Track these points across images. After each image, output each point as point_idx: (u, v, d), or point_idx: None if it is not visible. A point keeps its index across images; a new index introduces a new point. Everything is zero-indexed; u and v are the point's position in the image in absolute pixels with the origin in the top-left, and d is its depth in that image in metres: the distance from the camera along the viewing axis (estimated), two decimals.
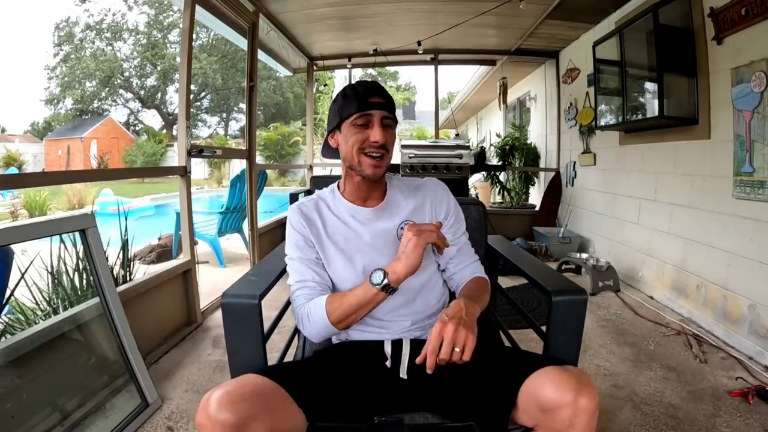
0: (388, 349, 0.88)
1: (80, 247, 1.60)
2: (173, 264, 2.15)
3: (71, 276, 1.74)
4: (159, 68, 20.86)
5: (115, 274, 2.01)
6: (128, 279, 2.10)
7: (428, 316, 0.94)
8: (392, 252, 0.89)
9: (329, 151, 0.98)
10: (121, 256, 2.12)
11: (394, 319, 0.91)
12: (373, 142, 0.85)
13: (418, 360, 0.75)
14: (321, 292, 0.88)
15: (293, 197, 3.54)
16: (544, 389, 0.69)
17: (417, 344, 0.87)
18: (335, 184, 1.01)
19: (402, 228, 0.93)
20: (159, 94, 22.21)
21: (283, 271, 1.01)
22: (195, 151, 2.19)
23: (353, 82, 0.98)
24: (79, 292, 1.73)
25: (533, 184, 4.99)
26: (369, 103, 0.86)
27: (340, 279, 0.92)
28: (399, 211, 0.96)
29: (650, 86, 2.51)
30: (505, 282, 2.79)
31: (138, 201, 8.52)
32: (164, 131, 21.24)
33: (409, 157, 3.47)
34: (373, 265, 0.86)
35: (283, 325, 0.81)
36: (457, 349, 0.73)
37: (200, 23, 2.71)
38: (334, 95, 0.95)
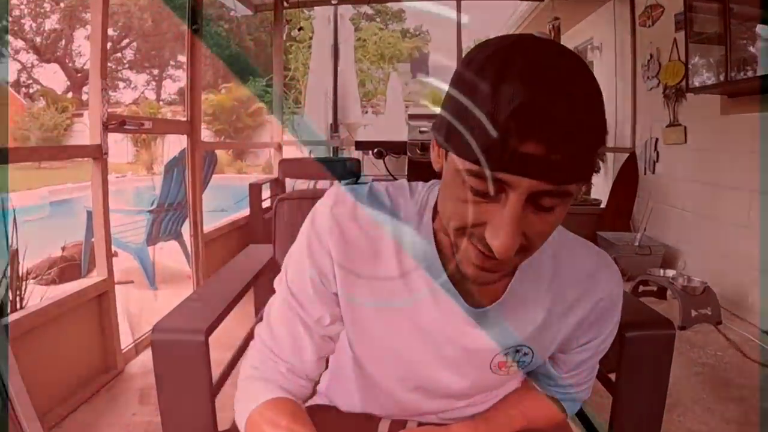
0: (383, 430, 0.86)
1: None
2: (83, 284, 2.14)
3: None
4: (62, 5, 20.92)
5: None
6: (18, 306, 2.11)
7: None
8: (463, 371, 0.76)
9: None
10: (7, 273, 2.12)
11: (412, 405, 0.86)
12: (488, 244, 0.56)
13: None
14: (289, 380, 0.76)
15: (254, 189, 3.54)
16: None
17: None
18: (429, 192, 0.74)
19: (506, 355, 0.75)
20: (63, 42, 22.26)
21: (240, 295, 1.01)
22: (114, 124, 2.19)
23: (520, 52, 0.53)
24: None
25: (597, 170, 4.98)
26: (516, 154, 0.50)
27: (367, 361, 0.81)
28: (516, 320, 0.73)
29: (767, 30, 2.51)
30: None
31: (23, 197, 8.22)
32: (70, 95, 21.28)
33: (420, 132, 3.45)
34: (427, 375, 0.77)
35: (239, 372, 0.80)
36: None
37: None
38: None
